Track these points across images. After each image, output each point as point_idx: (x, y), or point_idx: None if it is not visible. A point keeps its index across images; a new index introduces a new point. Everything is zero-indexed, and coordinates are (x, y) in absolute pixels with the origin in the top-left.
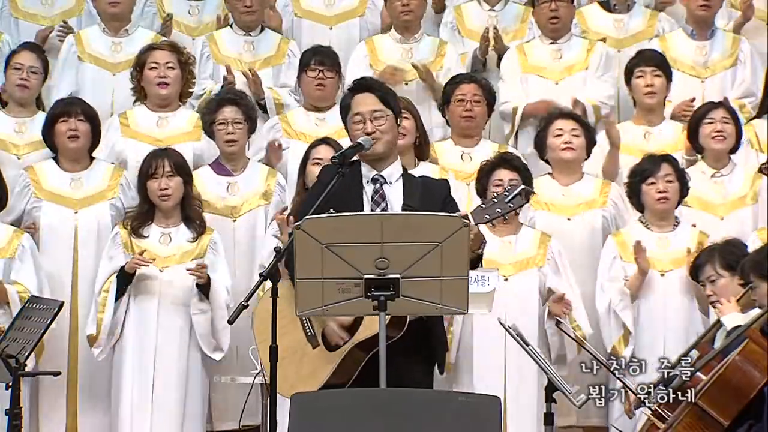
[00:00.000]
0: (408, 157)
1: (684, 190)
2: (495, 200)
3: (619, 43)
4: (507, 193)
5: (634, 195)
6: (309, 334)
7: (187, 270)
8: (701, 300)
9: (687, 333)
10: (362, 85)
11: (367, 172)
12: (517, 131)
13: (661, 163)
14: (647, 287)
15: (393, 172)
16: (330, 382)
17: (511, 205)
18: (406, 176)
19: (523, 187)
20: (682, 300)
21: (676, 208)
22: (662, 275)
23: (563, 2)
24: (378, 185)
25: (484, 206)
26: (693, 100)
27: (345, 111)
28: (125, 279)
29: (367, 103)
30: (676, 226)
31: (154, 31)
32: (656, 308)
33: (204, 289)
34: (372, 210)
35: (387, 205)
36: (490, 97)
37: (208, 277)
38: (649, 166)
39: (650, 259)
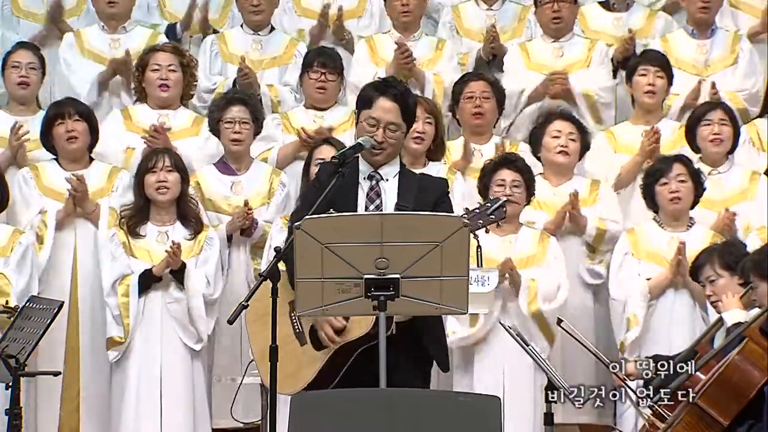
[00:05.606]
0: (419, 157)
1: (699, 189)
2: (477, 211)
3: (618, 41)
4: (489, 205)
5: (648, 195)
6: (297, 330)
7: (166, 252)
8: (697, 297)
9: (694, 332)
10: (391, 91)
11: (365, 168)
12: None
13: (673, 163)
14: None
15: (390, 170)
16: (315, 381)
17: (493, 217)
18: (404, 173)
19: (505, 199)
20: (691, 299)
21: (691, 208)
22: None
23: (566, 2)
24: (374, 182)
25: (467, 217)
26: (657, 132)
27: (364, 103)
28: (152, 280)
29: (388, 110)
30: (690, 226)
31: (154, 27)
32: (664, 307)
33: (178, 275)
34: (366, 206)
35: (382, 201)
36: (499, 94)
37: (183, 263)
38: (661, 166)
39: (663, 258)
